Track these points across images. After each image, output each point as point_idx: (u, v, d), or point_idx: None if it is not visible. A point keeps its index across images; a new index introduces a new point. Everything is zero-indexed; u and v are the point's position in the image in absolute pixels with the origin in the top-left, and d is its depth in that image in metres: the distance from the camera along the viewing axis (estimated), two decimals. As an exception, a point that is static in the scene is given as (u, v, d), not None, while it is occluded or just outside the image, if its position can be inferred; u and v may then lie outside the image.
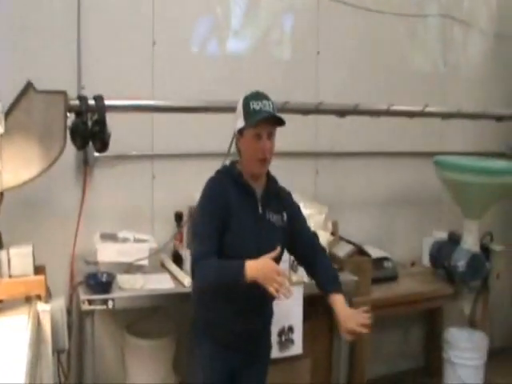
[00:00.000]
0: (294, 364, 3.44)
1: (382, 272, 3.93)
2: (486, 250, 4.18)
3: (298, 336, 3.31)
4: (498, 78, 4.97)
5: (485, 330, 4.17)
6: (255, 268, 2.35)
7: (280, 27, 4.02)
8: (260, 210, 2.63)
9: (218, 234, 2.49)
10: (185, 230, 3.49)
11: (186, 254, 3.28)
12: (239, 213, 2.55)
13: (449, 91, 4.59)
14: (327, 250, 3.37)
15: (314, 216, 3.45)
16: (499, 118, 4.27)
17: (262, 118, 2.50)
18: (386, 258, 4.05)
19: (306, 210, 3.41)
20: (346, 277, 3.52)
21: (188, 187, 3.52)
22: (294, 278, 3.31)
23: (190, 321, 2.72)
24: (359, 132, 4.18)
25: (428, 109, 3.90)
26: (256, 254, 2.42)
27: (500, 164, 4.09)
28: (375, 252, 3.91)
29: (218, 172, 2.67)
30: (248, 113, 2.53)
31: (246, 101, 2.56)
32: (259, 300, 2.58)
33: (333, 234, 3.62)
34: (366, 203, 4.40)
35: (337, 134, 4.13)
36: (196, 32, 3.80)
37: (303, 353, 3.34)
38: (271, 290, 2.29)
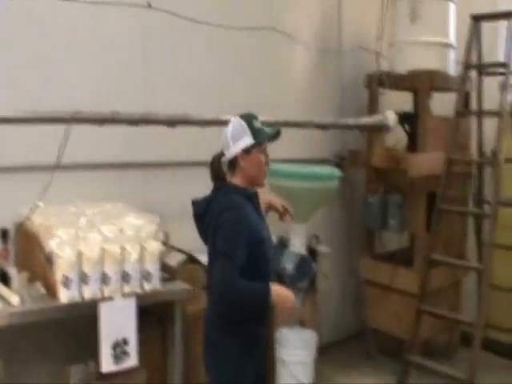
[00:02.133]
0: (130, 376, 3.42)
1: (214, 279, 4.00)
2: (313, 252, 4.39)
3: (132, 348, 3.30)
4: (320, 88, 5.26)
5: (314, 328, 4.38)
6: (280, 293, 2.65)
7: (107, 36, 3.95)
8: (263, 216, 2.92)
9: (244, 255, 2.61)
10: (10, 246, 3.38)
11: (13, 272, 3.17)
12: (261, 227, 2.78)
13: (275, 102, 4.77)
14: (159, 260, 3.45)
15: (145, 226, 3.45)
16: (323, 127, 4.52)
17: (274, 133, 2.80)
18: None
19: (136, 221, 3.43)
20: (178, 285, 3.58)
21: (13, 203, 3.43)
22: (126, 289, 3.31)
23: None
24: (186, 141, 4.23)
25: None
26: (271, 260, 2.82)
27: (323, 170, 4.33)
28: (207, 260, 3.96)
29: (230, 193, 2.76)
30: (256, 131, 2.73)
31: (249, 120, 2.75)
32: None
33: (164, 243, 3.65)
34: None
35: (165, 144, 4.15)
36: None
37: (139, 364, 3.34)
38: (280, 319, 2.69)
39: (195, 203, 2.94)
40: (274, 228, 4.50)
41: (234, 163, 2.78)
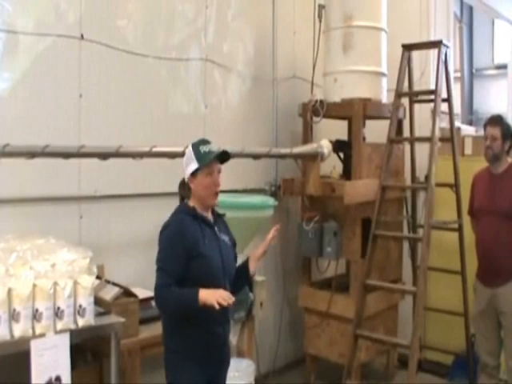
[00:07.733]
0: (62, 416, 3.36)
1: (150, 312, 3.93)
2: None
3: (66, 386, 3.25)
4: (255, 118, 5.32)
5: (251, 357, 4.39)
6: (206, 293, 2.84)
7: (40, 68, 3.84)
8: (217, 234, 3.15)
9: (179, 267, 2.94)
10: None
11: None
12: (204, 240, 3.02)
13: (210, 131, 4.76)
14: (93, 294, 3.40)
15: (77, 261, 3.40)
16: (256, 157, 4.56)
17: (214, 156, 3.02)
18: (153, 298, 4.06)
19: (69, 255, 3.38)
20: (113, 319, 3.52)
21: None
22: (59, 325, 3.25)
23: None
24: (123, 174, 4.21)
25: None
26: (222, 271, 3.06)
27: (257, 199, 4.36)
28: (142, 292, 3.91)
29: (176, 212, 3.11)
30: (201, 156, 3.02)
31: (196, 146, 3.07)
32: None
33: (98, 277, 3.60)
34: (132, 245, 4.38)
35: (100, 177, 4.10)
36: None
37: (71, 402, 3.27)
38: (213, 303, 2.77)
39: None
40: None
41: (188, 186, 3.10)
